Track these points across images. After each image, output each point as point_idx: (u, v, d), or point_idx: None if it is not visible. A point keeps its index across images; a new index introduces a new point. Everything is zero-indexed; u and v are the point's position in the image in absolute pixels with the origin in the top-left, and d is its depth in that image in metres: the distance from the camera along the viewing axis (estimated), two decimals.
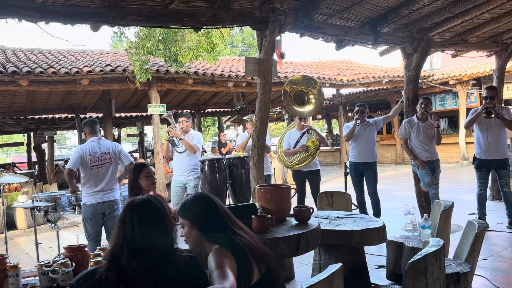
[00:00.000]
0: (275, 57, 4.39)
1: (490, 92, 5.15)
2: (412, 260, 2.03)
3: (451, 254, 3.04)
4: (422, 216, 3.62)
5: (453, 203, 3.25)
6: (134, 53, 7.35)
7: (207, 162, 5.67)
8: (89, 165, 4.11)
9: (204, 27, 4.21)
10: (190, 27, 4.23)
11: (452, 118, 14.90)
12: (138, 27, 6.20)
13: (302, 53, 45.44)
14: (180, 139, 5.09)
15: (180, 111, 10.25)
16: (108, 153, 4.24)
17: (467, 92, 13.50)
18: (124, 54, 9.43)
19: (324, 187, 7.57)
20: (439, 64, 16.68)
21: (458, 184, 8.59)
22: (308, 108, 5.23)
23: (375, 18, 4.86)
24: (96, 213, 4.10)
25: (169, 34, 6.77)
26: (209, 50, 7.13)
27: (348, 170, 6.23)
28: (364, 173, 5.59)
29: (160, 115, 8.99)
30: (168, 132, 5.19)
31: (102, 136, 4.43)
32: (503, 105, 6.53)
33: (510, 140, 5.63)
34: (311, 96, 5.18)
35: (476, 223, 2.63)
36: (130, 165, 4.52)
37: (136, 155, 15.88)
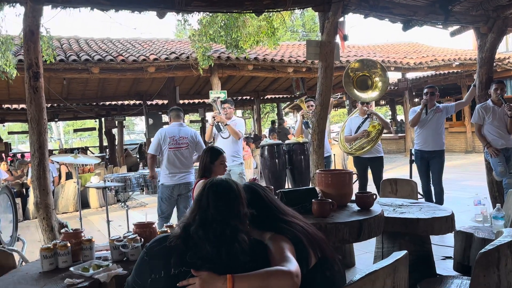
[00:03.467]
0: (337, 39, 4.28)
1: None
2: (483, 250, 1.91)
3: None
4: (494, 207, 3.40)
5: None
6: (197, 40, 7.51)
7: (267, 147, 5.71)
8: (167, 146, 4.41)
9: (266, 10, 4.19)
10: (251, 11, 4.23)
11: None
12: (201, 13, 6.31)
13: (364, 36, 43.92)
14: (226, 124, 5.07)
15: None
16: (186, 138, 4.50)
17: None
18: (188, 42, 9.68)
19: (387, 175, 7.32)
20: None
21: None
22: (373, 93, 5.07)
23: None
24: (172, 194, 4.38)
25: (230, 20, 6.83)
26: (269, 35, 7.10)
27: (413, 158, 5.97)
28: (430, 161, 5.28)
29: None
30: (214, 117, 5.14)
31: (183, 123, 4.73)
32: None
33: None
34: (376, 79, 5.01)
35: None
36: None
37: None
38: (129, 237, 2.21)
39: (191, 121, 23.72)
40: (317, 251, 1.77)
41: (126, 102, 14.80)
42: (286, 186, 5.88)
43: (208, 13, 6.24)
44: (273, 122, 14.97)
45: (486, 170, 5.33)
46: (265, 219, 1.80)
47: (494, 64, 11.39)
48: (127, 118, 15.37)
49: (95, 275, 1.93)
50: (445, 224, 2.81)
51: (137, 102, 13.72)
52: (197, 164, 3.67)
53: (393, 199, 3.52)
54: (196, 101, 16.13)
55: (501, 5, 4.94)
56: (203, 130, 18.53)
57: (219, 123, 5.09)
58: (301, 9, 5.00)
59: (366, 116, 5.50)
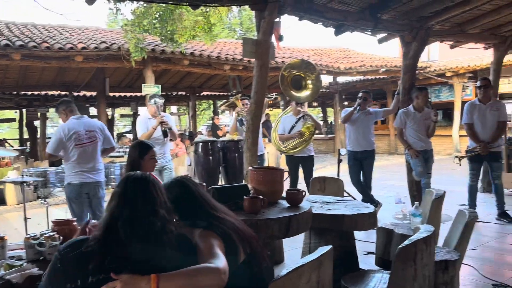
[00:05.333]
0: (273, 39, 4.33)
1: (484, 81, 5.22)
2: (402, 245, 2.02)
3: (440, 243, 3.06)
4: (413, 205, 3.64)
5: (444, 192, 3.26)
6: (130, 31, 7.23)
7: (201, 144, 5.63)
8: (73, 143, 3.96)
9: (202, 4, 4.13)
10: (187, 4, 4.15)
11: (447, 110, 14.92)
12: (135, 3, 6.08)
13: (300, 39, 45.17)
14: (170, 129, 4.88)
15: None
16: (94, 131, 4.08)
17: (463, 85, 13.50)
18: (120, 32, 9.28)
19: (317, 173, 7.59)
20: (437, 56, 16.63)
21: (450, 176, 8.63)
22: (305, 93, 5.19)
23: (376, 3, 4.80)
24: (81, 193, 3.98)
25: (166, 12, 6.65)
26: (206, 31, 7.03)
27: (341, 157, 6.25)
28: (363, 162, 5.62)
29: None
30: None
31: (84, 115, 4.27)
32: (497, 98, 6.54)
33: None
34: (309, 81, 5.14)
35: (466, 212, 2.63)
36: (110, 150, 4.43)
37: (130, 136, 15.78)
38: (46, 235, 2.06)
39: (122, 115, 22.81)
40: (247, 247, 1.77)
41: (50, 93, 13.88)
42: (220, 184, 5.85)
43: (142, 3, 6.02)
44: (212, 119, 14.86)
45: (407, 171, 5.71)
46: (195, 214, 1.77)
47: (417, 72, 12.23)
48: (51, 109, 14.40)
49: (6, 276, 1.77)
50: (368, 220, 2.95)
51: (63, 92, 12.93)
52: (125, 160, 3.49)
53: (321, 196, 3.64)
54: (128, 94, 15.54)
55: (424, 16, 5.31)
56: (135, 124, 17.92)
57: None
58: (238, 7, 4.99)
59: (299, 116, 5.65)
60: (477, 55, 11.79)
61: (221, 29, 20.90)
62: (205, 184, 2.83)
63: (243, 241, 1.75)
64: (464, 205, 5.36)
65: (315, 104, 20.74)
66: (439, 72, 13.33)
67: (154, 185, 1.54)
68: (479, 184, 6.28)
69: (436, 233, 3.15)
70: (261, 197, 2.51)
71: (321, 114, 22.22)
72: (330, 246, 1.79)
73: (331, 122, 18.86)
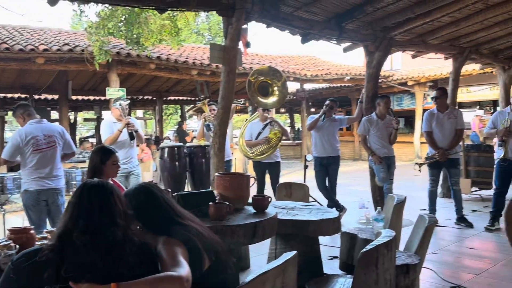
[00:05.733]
0: (240, 45, 4.35)
1: (438, 92, 5.45)
2: (364, 250, 2.07)
3: (402, 247, 3.14)
4: (376, 210, 3.72)
5: (405, 197, 3.36)
6: (94, 33, 7.06)
7: (167, 149, 5.57)
8: (31, 148, 3.78)
9: (169, 9, 4.10)
10: (154, 8, 4.10)
11: (409, 118, 15.42)
12: (100, 5, 5.95)
13: (268, 45, 45.57)
14: (136, 131, 4.77)
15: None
16: (53, 136, 3.91)
17: (424, 94, 14.00)
18: (84, 34, 9.04)
19: (283, 179, 7.65)
20: (399, 65, 17.19)
21: (411, 182, 8.90)
22: (272, 99, 5.24)
23: (341, 13, 4.91)
24: (39, 200, 3.81)
25: (132, 15, 6.55)
26: (173, 35, 6.96)
27: (307, 163, 6.33)
28: (328, 168, 5.74)
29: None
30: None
31: (44, 119, 4.09)
32: (456, 107, 6.82)
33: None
34: (275, 88, 5.18)
35: (426, 217, 2.72)
36: (71, 155, 4.29)
37: (93, 140, 15.36)
38: (1, 243, 1.96)
39: (85, 119, 22.20)
40: (211, 254, 1.75)
41: (9, 95, 13.34)
42: (186, 190, 5.79)
43: (107, 5, 5.90)
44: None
45: (370, 176, 5.86)
46: (160, 222, 1.74)
47: (380, 80, 12.53)
48: (9, 113, 13.80)
49: None
50: (332, 225, 2.99)
51: (23, 95, 12.44)
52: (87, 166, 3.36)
53: (287, 202, 3.66)
54: (92, 98, 15.14)
55: (387, 26, 5.48)
56: (98, 129, 17.47)
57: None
58: (206, 12, 4.97)
59: (266, 122, 5.68)
60: (438, 65, 12.29)
61: (189, 34, 20.76)
62: (170, 190, 2.79)
63: (208, 248, 1.74)
64: (425, 210, 5.55)
65: (282, 110, 20.94)
66: (401, 81, 13.77)
67: (112, 193, 1.49)
68: (439, 190, 6.51)
69: (398, 237, 3.23)
70: (227, 203, 2.50)
71: (289, 120, 22.46)
72: (294, 252, 1.80)
73: (298, 128, 19.08)
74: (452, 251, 4.31)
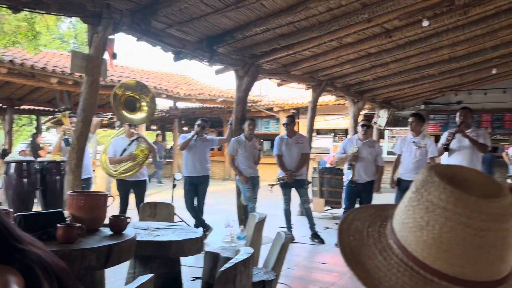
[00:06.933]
0: (106, 56, 4.12)
1: (288, 119, 5.97)
2: (223, 268, 2.09)
3: (262, 263, 3.26)
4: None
5: (266, 216, 3.51)
6: None
7: (13, 164, 4.92)
8: None
9: (25, 9, 3.69)
10: (6, 6, 3.65)
11: (274, 141, 16.38)
12: None
13: (141, 59, 44.20)
14: None
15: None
16: None
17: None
18: None
19: (152, 199, 7.39)
20: (268, 91, 18.29)
21: (274, 201, 9.41)
22: (140, 115, 5.06)
23: (212, 36, 5.04)
24: None
25: None
26: (30, 38, 6.29)
27: (176, 182, 6.24)
28: (198, 187, 5.73)
29: None
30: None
31: None
32: (315, 134, 7.51)
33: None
34: (143, 104, 5.02)
35: (283, 234, 2.88)
36: None
37: None
38: None
39: None
40: (54, 282, 1.56)
41: None
42: (36, 210, 5.17)
43: None
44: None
45: (236, 196, 6.02)
46: None
47: (250, 104, 13.10)
48: None
49: None
50: (195, 245, 2.97)
51: None
52: None
53: (150, 223, 3.53)
54: None
55: (255, 54, 5.80)
56: None
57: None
58: (69, 18, 4.62)
59: (133, 138, 5.46)
60: (301, 94, 13.40)
61: (51, 39, 19.03)
62: (11, 210, 2.45)
63: (49, 275, 1.55)
64: (284, 227, 5.90)
65: (154, 127, 20.39)
66: (269, 106, 14.66)
67: None
68: (297, 208, 7.02)
69: (257, 255, 3.36)
70: (79, 224, 2.29)
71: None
72: (150, 275, 1.72)
73: (171, 147, 18.76)
74: (306, 266, 4.64)
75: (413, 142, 5.35)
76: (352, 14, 4.71)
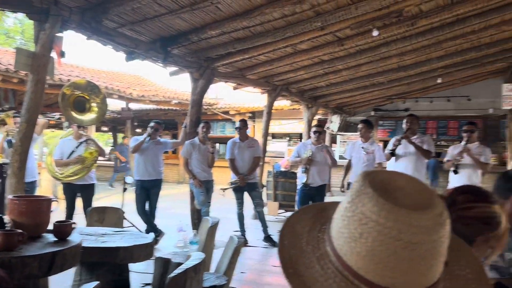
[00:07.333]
0: (54, 54, 3.94)
1: (241, 123, 5.97)
2: (172, 274, 2.05)
3: (214, 268, 3.24)
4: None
5: (219, 220, 3.49)
6: None
7: None
8: None
9: None
10: None
11: None
12: None
13: (93, 58, 42.50)
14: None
15: None
16: None
17: None
18: None
19: (101, 203, 7.14)
20: (224, 95, 18.25)
21: (229, 204, 9.38)
22: (89, 116, 4.90)
23: (167, 37, 4.96)
24: None
25: None
26: None
27: (126, 186, 6.06)
28: (149, 191, 5.61)
29: None
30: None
31: None
32: (270, 138, 7.57)
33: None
34: (93, 104, 4.87)
35: (236, 238, 2.88)
36: None
37: None
38: None
39: None
40: None
41: None
42: None
43: None
44: None
45: (190, 200, 5.95)
46: None
47: (206, 107, 13.02)
48: None
49: None
50: (145, 251, 2.90)
51: None
52: None
53: (98, 228, 3.41)
54: None
55: (211, 57, 5.77)
56: None
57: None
58: (14, 13, 4.39)
59: (81, 140, 5.26)
60: (258, 97, 13.47)
61: None
62: None
63: None
64: (238, 231, 5.89)
65: (105, 128, 19.75)
66: (225, 109, 14.63)
67: None
68: (252, 212, 7.04)
69: (209, 259, 3.33)
70: (19, 230, 2.17)
71: (112, 140, 21.29)
72: (96, 283, 1.67)
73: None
74: (258, 269, 4.66)
75: (362, 147, 5.53)
76: (306, 21, 4.81)
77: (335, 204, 0.73)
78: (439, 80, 8.79)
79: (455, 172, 5.04)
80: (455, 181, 5.01)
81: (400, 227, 0.61)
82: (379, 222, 0.62)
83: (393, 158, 5.33)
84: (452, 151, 5.16)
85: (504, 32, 6.59)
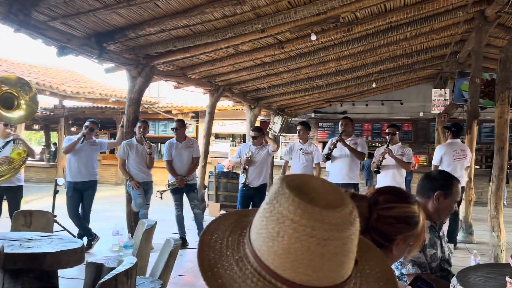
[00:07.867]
0: None
1: (178, 124, 5.90)
2: (102, 280, 1.97)
3: (150, 272, 3.15)
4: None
5: (156, 222, 3.41)
6: None
7: None
8: None
9: None
10: None
11: None
12: None
13: (23, 52, 39.82)
14: None
15: None
16: None
17: (186, 123, 14.93)
18: None
19: (30, 206, 6.71)
20: (166, 94, 17.88)
21: (169, 206, 9.20)
22: (18, 113, 4.61)
23: (102, 33, 4.76)
24: None
25: None
26: None
27: (58, 188, 5.75)
28: (83, 193, 5.36)
29: None
30: None
31: None
32: (213, 138, 7.53)
33: None
34: (23, 102, 4.59)
35: (172, 241, 2.82)
36: None
37: None
38: None
39: None
40: None
41: None
42: None
43: None
44: None
45: (126, 202, 5.77)
46: None
47: (146, 106, 12.70)
48: None
49: None
50: (74, 256, 2.76)
51: None
52: None
53: (23, 233, 3.19)
54: None
55: (150, 54, 5.63)
56: None
57: None
58: None
59: (8, 139, 4.92)
60: (202, 97, 13.34)
61: None
62: None
63: None
64: (177, 233, 5.80)
65: (36, 127, 18.61)
66: (167, 109, 14.32)
67: None
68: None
69: (145, 263, 3.25)
70: None
71: (44, 139, 20.11)
72: None
73: (56, 149, 17.29)
74: (196, 272, 4.51)
75: (301, 149, 5.67)
76: (247, 23, 4.85)
77: (256, 210, 0.75)
78: (374, 85, 9.25)
79: (377, 172, 5.34)
80: (381, 180, 5.30)
81: (314, 224, 0.64)
82: (295, 220, 0.64)
83: (329, 160, 5.51)
84: (377, 153, 5.45)
85: (434, 40, 7.08)
